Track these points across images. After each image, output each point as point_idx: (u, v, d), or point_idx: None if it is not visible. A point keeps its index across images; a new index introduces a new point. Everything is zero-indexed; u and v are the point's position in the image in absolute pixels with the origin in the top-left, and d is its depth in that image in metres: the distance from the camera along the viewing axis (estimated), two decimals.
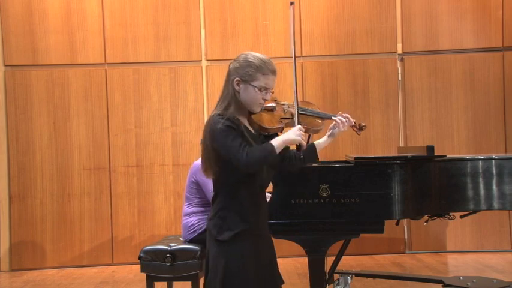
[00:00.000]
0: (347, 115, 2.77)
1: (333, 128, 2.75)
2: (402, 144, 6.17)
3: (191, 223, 3.89)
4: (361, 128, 2.97)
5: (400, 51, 6.27)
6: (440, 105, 6.23)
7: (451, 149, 6.11)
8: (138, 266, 3.91)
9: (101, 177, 6.14)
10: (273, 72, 2.46)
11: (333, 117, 2.76)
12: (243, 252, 2.37)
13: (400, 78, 6.26)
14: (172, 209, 6.14)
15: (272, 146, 2.35)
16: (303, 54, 6.25)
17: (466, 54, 6.24)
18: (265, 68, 2.43)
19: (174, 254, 3.75)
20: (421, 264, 5.63)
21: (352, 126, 2.93)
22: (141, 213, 6.16)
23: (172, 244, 3.84)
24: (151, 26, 6.22)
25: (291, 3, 2.61)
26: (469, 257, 5.88)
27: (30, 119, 6.12)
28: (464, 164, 3.33)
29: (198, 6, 6.25)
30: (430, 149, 3.22)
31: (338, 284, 4.00)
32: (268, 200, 3.30)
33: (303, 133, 2.42)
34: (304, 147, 2.47)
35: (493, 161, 3.34)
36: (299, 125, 2.44)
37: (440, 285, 3.98)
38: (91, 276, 5.65)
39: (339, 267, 3.90)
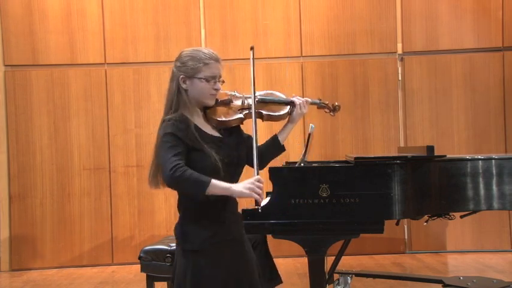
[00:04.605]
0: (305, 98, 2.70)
1: (292, 111, 2.63)
2: (402, 144, 6.17)
3: None
4: (334, 109, 2.97)
5: (400, 51, 6.27)
6: (440, 105, 6.23)
7: (451, 149, 6.10)
8: (138, 266, 3.91)
9: (101, 177, 6.14)
10: (216, 59, 2.34)
11: (292, 99, 2.66)
12: (208, 262, 2.26)
13: (400, 78, 6.25)
14: (172, 209, 6.13)
15: (209, 183, 2.12)
16: (303, 54, 6.25)
17: (466, 54, 6.24)
18: (206, 58, 2.32)
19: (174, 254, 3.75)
20: (421, 264, 5.63)
21: (324, 108, 2.94)
22: (141, 213, 6.16)
23: (172, 244, 3.83)
24: (151, 26, 6.22)
25: (251, 48, 2.51)
26: (469, 257, 5.88)
27: (30, 119, 6.12)
28: (464, 164, 3.33)
29: (198, 6, 6.25)
30: (430, 149, 3.21)
31: (338, 284, 3.99)
32: (266, 200, 3.30)
33: (262, 186, 2.18)
34: (260, 203, 2.22)
35: (493, 161, 3.33)
36: (258, 176, 2.19)
37: (440, 285, 3.98)
38: (91, 276, 5.65)
39: (339, 267, 3.90)
